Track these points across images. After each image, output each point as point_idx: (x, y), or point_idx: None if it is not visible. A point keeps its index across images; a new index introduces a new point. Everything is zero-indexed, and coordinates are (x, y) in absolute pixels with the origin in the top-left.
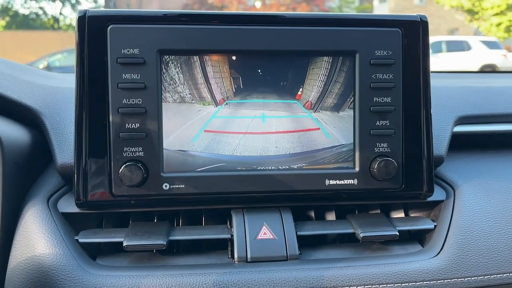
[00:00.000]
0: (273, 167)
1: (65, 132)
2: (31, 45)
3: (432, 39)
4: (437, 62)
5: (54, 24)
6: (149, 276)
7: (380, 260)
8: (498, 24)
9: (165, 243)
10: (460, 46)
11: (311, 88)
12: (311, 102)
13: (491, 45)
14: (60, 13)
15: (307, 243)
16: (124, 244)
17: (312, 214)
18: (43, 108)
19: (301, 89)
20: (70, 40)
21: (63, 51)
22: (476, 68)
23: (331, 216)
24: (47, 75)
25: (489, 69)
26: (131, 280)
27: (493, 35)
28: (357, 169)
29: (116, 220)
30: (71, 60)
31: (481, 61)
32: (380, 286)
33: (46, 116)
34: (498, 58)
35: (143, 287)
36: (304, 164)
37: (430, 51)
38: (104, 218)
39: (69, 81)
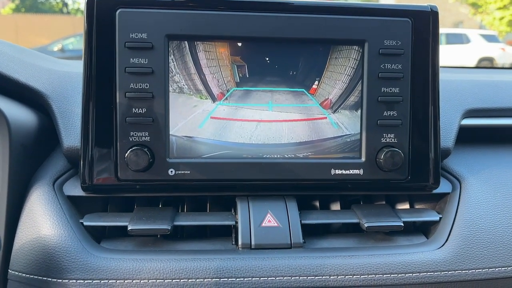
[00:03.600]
0: (279, 155)
1: (72, 116)
2: (43, 28)
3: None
4: None
5: (62, 8)
6: (153, 260)
7: (384, 250)
8: (501, 18)
9: (169, 228)
10: (459, 39)
11: (329, 83)
12: (330, 100)
13: (490, 38)
14: None
15: (312, 232)
16: (129, 228)
17: (317, 203)
18: (50, 92)
19: (317, 83)
20: (82, 24)
21: (76, 34)
22: (474, 60)
23: (336, 206)
24: (55, 60)
25: (487, 62)
26: (134, 264)
27: (496, 29)
28: (363, 159)
29: (121, 205)
30: None
31: (479, 54)
32: (384, 276)
33: (53, 100)
34: (496, 51)
35: (146, 270)
36: (310, 153)
37: None
38: (109, 202)
39: (77, 67)
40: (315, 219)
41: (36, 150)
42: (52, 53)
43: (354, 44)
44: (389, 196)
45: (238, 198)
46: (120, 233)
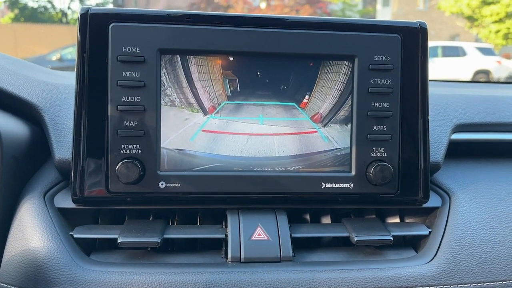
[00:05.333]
0: (269, 169)
1: (64, 128)
2: (42, 38)
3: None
4: (433, 67)
5: (62, 18)
6: (142, 273)
7: (373, 264)
8: (497, 31)
9: (159, 241)
10: (455, 52)
11: (320, 97)
12: (321, 115)
13: (486, 51)
14: (69, 7)
15: (302, 246)
16: (119, 240)
17: (308, 217)
18: (43, 103)
19: (307, 97)
20: None
21: (74, 44)
22: (470, 73)
23: (326, 220)
24: (48, 72)
25: (483, 75)
26: (123, 277)
27: (491, 42)
28: (353, 173)
29: (112, 217)
30: None
31: (476, 67)
32: None
33: (46, 112)
34: (492, 64)
35: (135, 284)
36: (300, 167)
37: None
38: (100, 214)
39: (70, 79)
40: (305, 232)
41: (28, 162)
42: (51, 63)
43: (344, 60)
44: (379, 209)
45: (229, 211)
46: (110, 245)
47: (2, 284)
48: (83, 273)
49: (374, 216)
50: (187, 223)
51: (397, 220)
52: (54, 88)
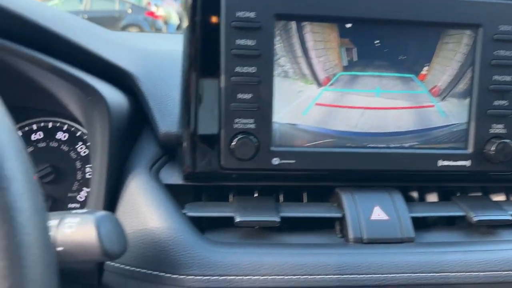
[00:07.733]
0: (383, 145)
1: (162, 99)
2: None
3: None
4: None
5: None
6: (270, 254)
7: (493, 246)
8: None
9: (279, 220)
10: None
11: (439, 69)
12: (439, 88)
13: None
14: None
15: (415, 225)
16: (237, 219)
17: (414, 195)
18: (137, 72)
19: (426, 69)
20: None
21: None
22: None
23: (432, 198)
24: (132, 36)
25: None
26: (254, 258)
27: None
28: (470, 150)
29: (213, 194)
30: (69, 5)
31: None
32: (504, 273)
33: (142, 81)
34: None
35: (267, 266)
36: (416, 143)
37: None
38: (203, 191)
39: (157, 44)
40: (422, 212)
41: (129, 135)
42: None
43: (468, 29)
44: (483, 187)
45: (340, 189)
46: (217, 223)
47: (118, 265)
48: (212, 255)
49: (479, 194)
50: (291, 200)
51: (502, 198)
52: (145, 55)
